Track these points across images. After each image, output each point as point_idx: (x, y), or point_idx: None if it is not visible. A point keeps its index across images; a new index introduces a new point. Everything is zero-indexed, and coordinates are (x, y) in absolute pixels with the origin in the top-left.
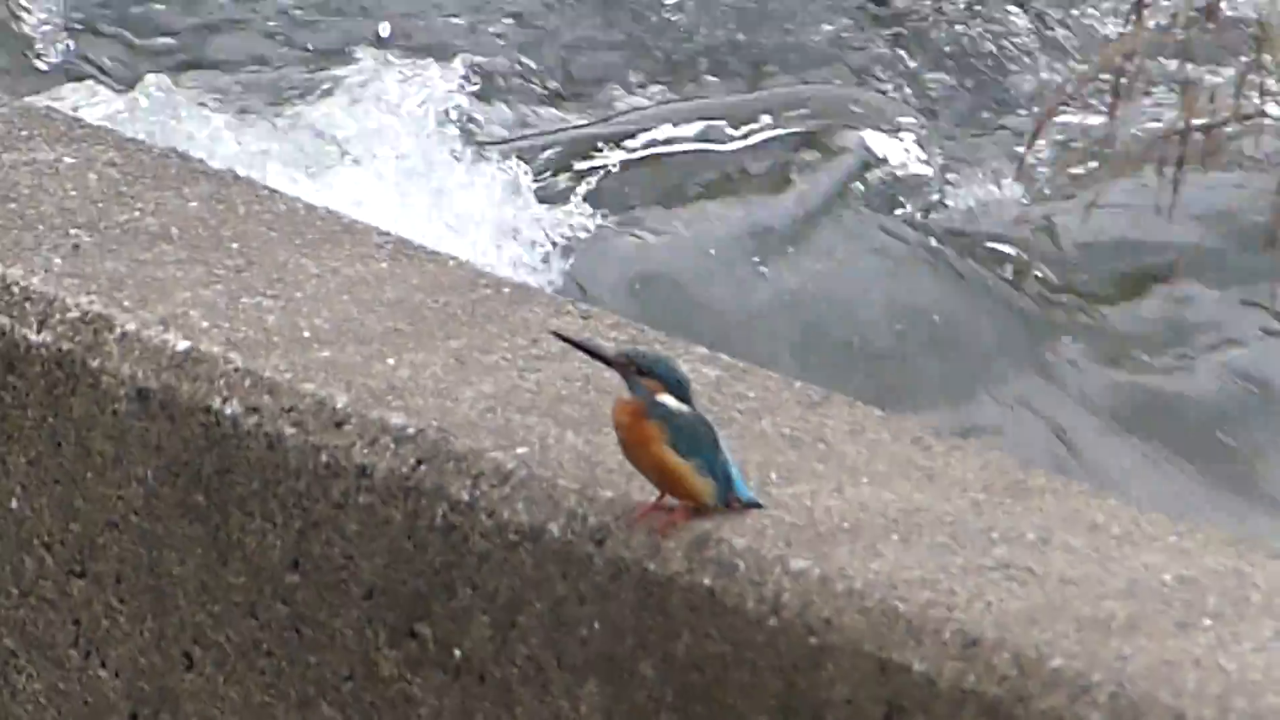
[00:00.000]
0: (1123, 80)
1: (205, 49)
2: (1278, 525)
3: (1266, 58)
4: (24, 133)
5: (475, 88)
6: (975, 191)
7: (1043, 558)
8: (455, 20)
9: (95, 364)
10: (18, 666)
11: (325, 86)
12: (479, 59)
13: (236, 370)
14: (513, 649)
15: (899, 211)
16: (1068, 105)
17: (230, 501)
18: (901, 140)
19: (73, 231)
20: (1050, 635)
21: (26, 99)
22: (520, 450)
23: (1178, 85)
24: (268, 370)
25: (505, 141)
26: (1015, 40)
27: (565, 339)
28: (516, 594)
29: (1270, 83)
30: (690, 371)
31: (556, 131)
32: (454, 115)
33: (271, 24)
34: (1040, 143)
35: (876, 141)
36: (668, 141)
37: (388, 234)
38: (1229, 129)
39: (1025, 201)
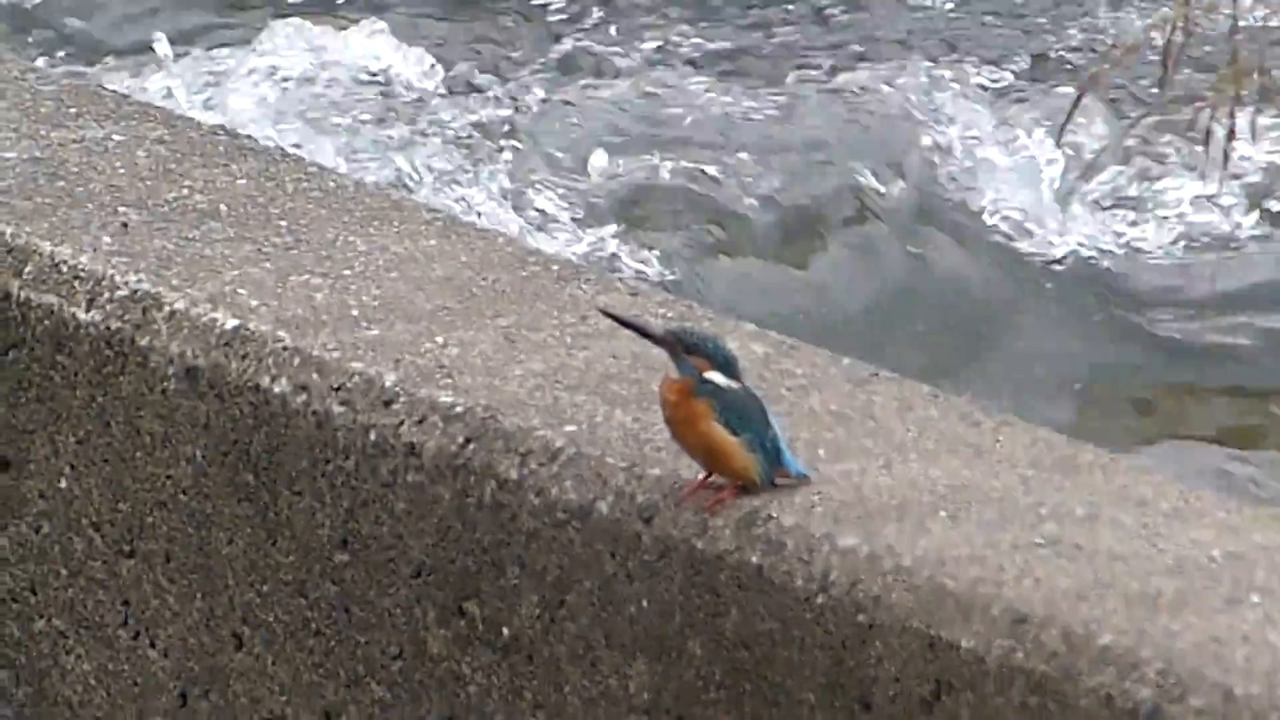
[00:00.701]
0: (1174, 44)
1: None
2: None
3: None
4: (73, 110)
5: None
6: (1020, 161)
7: (1091, 534)
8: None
9: (144, 342)
10: (67, 647)
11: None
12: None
13: (285, 348)
14: (561, 627)
15: (944, 188)
16: (1114, 73)
17: (279, 480)
18: (952, 113)
19: (121, 209)
20: (1099, 612)
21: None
22: (569, 428)
23: (1228, 52)
24: (316, 348)
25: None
26: (1065, 7)
27: (613, 317)
28: (565, 572)
29: None
30: (738, 348)
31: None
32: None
33: None
34: (1085, 105)
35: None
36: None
37: (436, 211)
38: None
39: (1072, 173)
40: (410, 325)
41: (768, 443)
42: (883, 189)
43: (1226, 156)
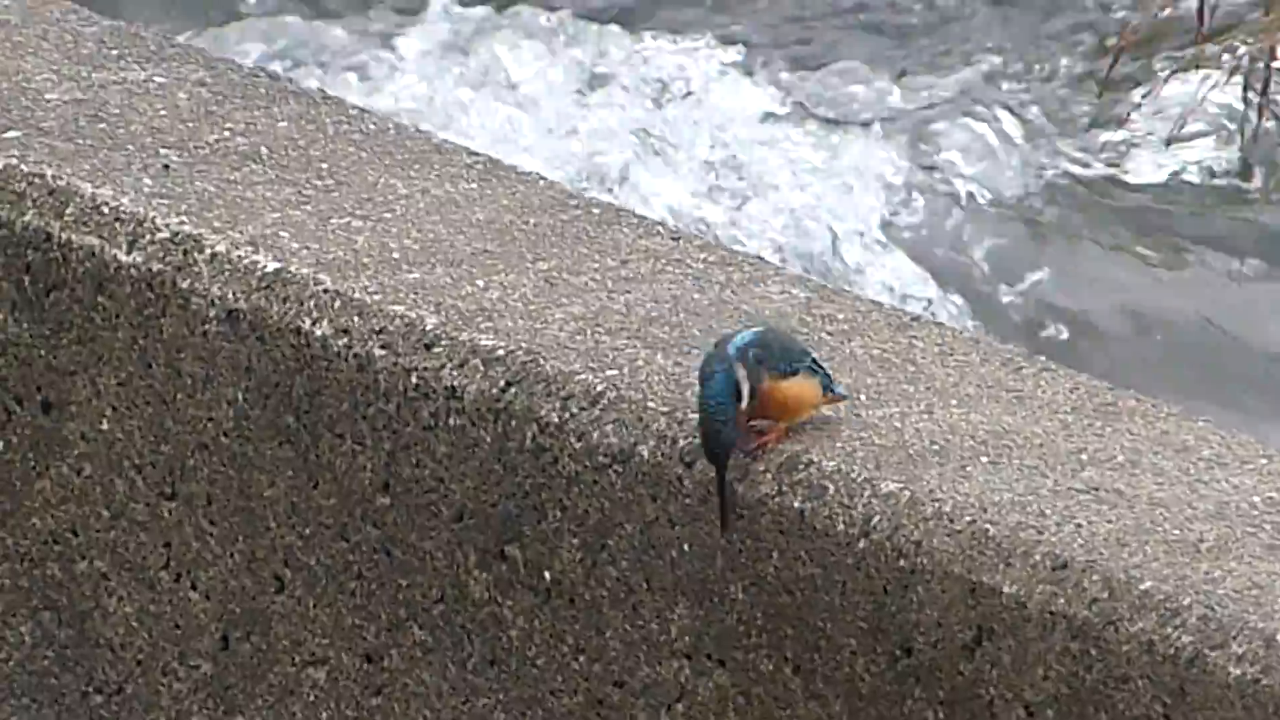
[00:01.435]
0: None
1: None
2: None
3: None
4: (114, 52)
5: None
6: (1058, 116)
7: (1132, 480)
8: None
9: (185, 285)
10: (109, 589)
11: None
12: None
13: (326, 291)
14: (602, 571)
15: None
16: (1149, 30)
17: (320, 423)
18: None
19: (162, 151)
20: (1140, 558)
21: None
22: (609, 372)
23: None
24: (357, 291)
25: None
26: None
27: (721, 497)
28: (606, 516)
29: None
30: (780, 293)
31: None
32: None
33: None
34: (1121, 65)
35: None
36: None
37: (477, 155)
38: None
39: (1110, 129)
40: (451, 269)
41: (816, 361)
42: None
43: (1261, 109)
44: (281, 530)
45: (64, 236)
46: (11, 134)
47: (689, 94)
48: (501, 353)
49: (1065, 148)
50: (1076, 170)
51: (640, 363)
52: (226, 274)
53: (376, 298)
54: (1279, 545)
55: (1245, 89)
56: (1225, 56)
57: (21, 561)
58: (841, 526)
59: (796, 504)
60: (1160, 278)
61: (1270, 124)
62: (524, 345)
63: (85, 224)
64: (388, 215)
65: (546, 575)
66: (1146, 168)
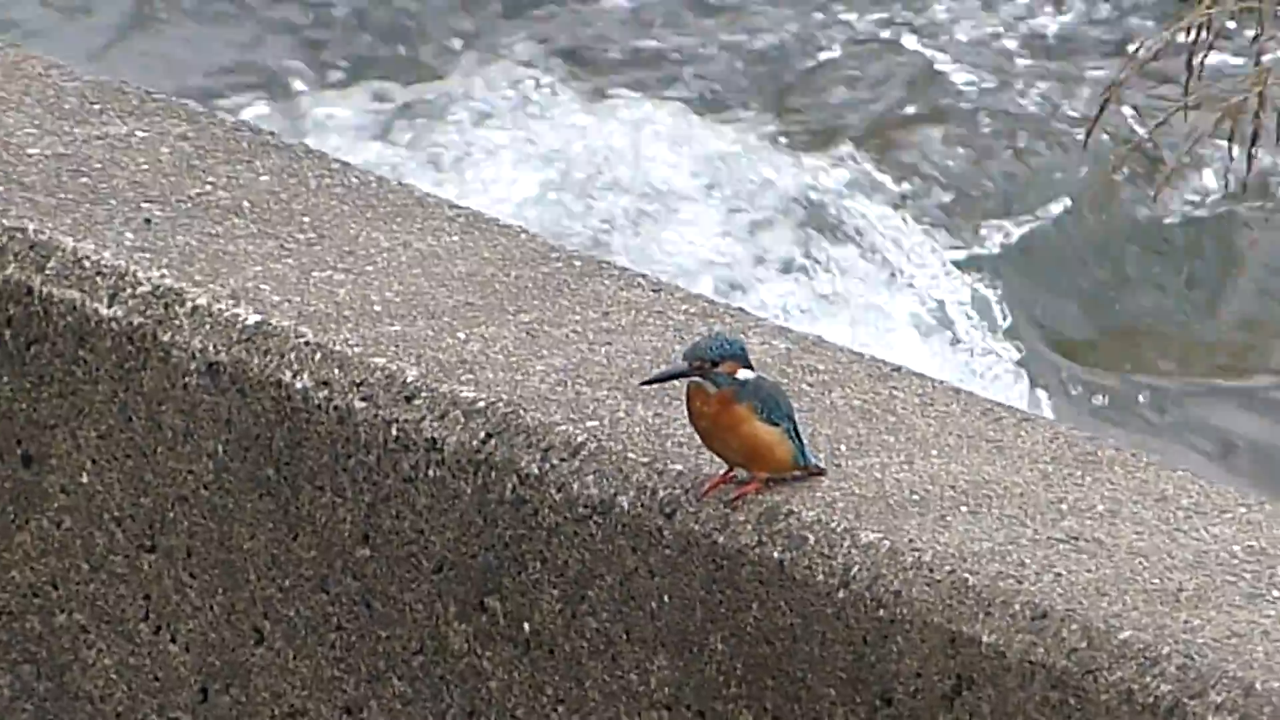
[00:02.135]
0: (1196, 52)
1: None
2: None
3: None
4: (96, 106)
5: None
6: (1054, 164)
7: (1112, 529)
8: None
9: (166, 338)
10: (88, 641)
11: None
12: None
13: (307, 344)
14: (583, 622)
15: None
16: (1139, 76)
17: (301, 475)
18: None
19: (144, 205)
20: (1119, 607)
21: None
22: (590, 423)
23: (1251, 56)
24: (338, 344)
25: None
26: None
27: (650, 381)
28: (586, 567)
29: None
30: (760, 345)
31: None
32: None
33: None
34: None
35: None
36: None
37: (459, 208)
38: None
39: (1104, 173)
40: (432, 321)
41: (798, 428)
42: None
43: (1250, 160)
44: (261, 582)
45: (45, 290)
46: None
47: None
48: (482, 404)
49: (1054, 195)
50: (1064, 218)
51: (621, 414)
52: (208, 327)
53: (358, 350)
54: (1258, 594)
55: (1230, 139)
56: (1215, 108)
57: (1, 614)
58: (821, 577)
59: (776, 554)
60: (1137, 323)
61: (1256, 177)
62: (505, 397)
63: (67, 278)
64: (369, 268)
65: (526, 626)
66: (1134, 216)
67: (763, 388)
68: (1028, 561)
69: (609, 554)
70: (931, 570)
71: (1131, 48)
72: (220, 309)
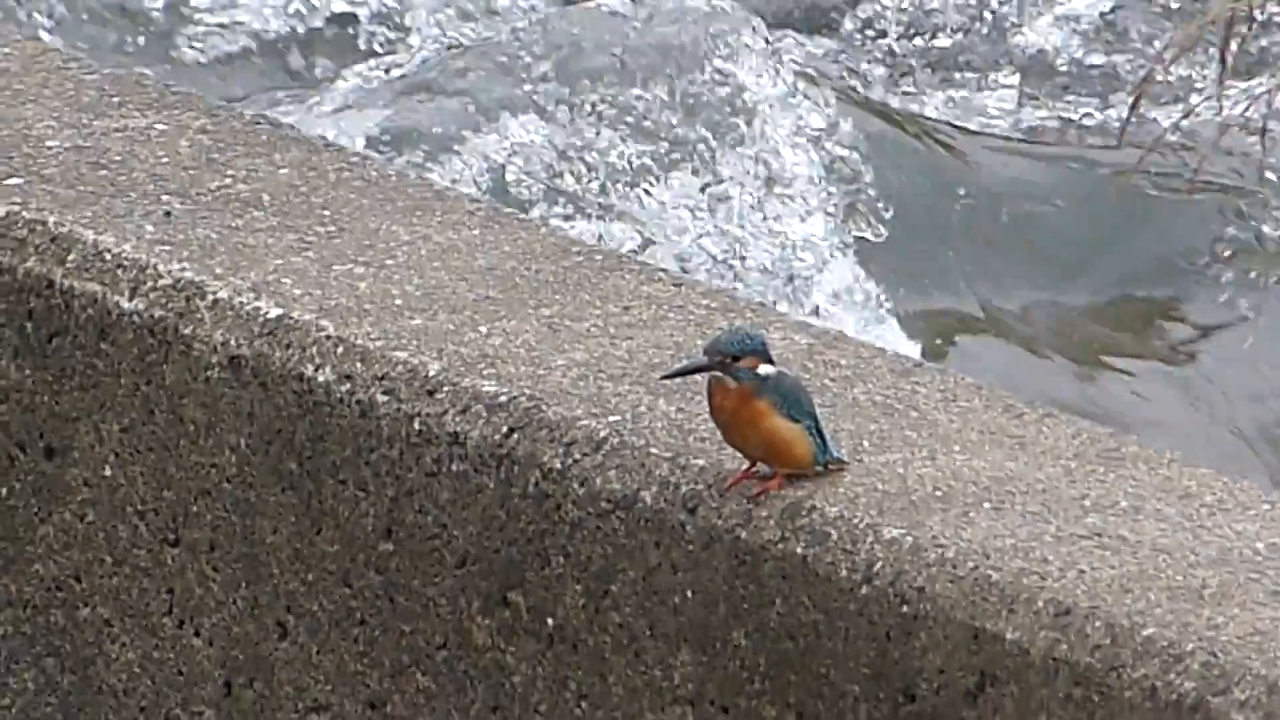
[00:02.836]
0: (1230, 45)
1: None
2: None
3: None
4: (115, 99)
5: None
6: (1083, 158)
7: (1135, 526)
8: None
9: (187, 331)
10: (111, 635)
11: None
12: None
13: (328, 338)
14: (605, 617)
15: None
16: (1171, 71)
17: (323, 469)
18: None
19: (164, 198)
20: (1143, 604)
21: None
22: (612, 418)
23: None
24: (360, 338)
25: None
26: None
27: (670, 376)
28: (609, 562)
29: None
30: (781, 339)
31: None
32: None
33: None
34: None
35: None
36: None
37: (479, 201)
38: None
39: (1131, 164)
40: (453, 315)
41: (819, 424)
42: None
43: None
44: (284, 576)
45: (66, 283)
46: (13, 181)
47: None
48: (504, 399)
49: (1080, 187)
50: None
51: (643, 409)
52: (229, 320)
53: (379, 344)
54: None
55: (1263, 134)
56: (1244, 102)
57: (24, 608)
58: (844, 572)
59: (799, 550)
60: (1164, 325)
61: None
62: (526, 391)
63: (87, 271)
64: (390, 262)
65: (549, 622)
66: (1160, 210)
67: (784, 383)
68: (1051, 558)
69: (632, 549)
70: (955, 566)
71: (1159, 44)
72: (241, 302)
